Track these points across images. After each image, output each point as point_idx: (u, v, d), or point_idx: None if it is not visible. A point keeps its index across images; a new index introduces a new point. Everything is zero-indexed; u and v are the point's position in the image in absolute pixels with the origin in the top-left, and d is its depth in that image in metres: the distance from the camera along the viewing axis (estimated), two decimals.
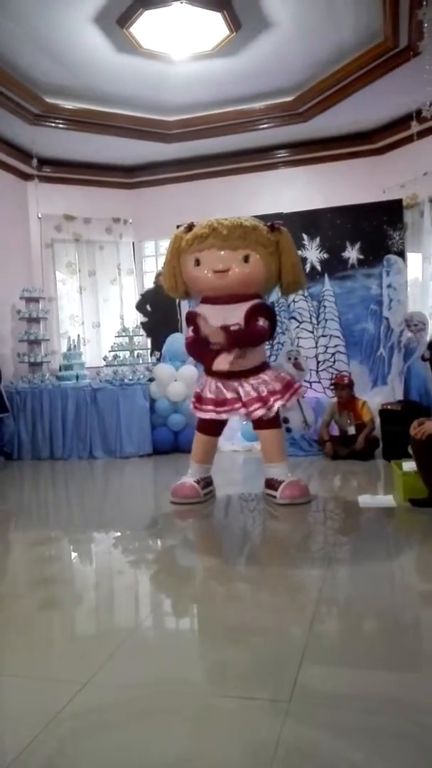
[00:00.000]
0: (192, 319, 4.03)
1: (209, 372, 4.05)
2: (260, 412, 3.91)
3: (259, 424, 4.02)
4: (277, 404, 3.93)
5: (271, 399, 3.91)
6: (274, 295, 5.64)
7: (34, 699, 1.72)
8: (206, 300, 4.02)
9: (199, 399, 4.10)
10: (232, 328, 3.85)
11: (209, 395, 4.03)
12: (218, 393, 4.00)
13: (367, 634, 2.11)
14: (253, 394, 3.91)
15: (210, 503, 4.05)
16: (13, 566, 3.24)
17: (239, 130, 6.80)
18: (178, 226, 4.14)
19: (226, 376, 3.95)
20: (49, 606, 2.53)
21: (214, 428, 4.16)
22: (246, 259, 3.83)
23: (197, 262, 3.92)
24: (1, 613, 2.43)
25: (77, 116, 6.42)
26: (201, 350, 4.02)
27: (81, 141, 6.82)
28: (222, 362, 3.84)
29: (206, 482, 4.19)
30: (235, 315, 3.89)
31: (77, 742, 1.50)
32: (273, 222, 4.03)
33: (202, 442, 4.22)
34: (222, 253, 3.85)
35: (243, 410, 3.95)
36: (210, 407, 4.02)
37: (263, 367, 4.05)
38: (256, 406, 3.90)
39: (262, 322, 3.91)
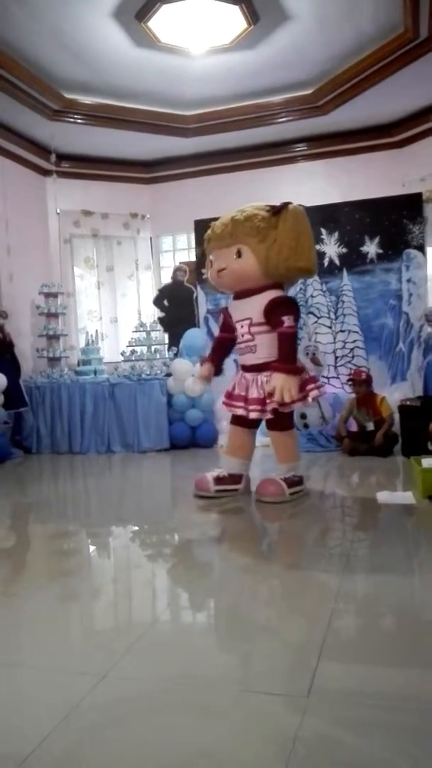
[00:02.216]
0: (223, 315, 4.27)
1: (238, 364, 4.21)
2: (255, 415, 3.91)
3: (268, 424, 4.01)
4: (271, 407, 3.80)
5: (270, 401, 3.80)
6: (292, 290, 5.62)
7: (53, 691, 1.73)
8: (233, 298, 4.14)
9: (226, 392, 4.21)
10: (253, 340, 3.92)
11: (229, 388, 4.14)
12: (234, 387, 4.07)
13: (386, 631, 2.10)
14: (257, 394, 3.87)
15: (230, 500, 4.02)
16: (33, 559, 3.27)
17: (257, 123, 6.77)
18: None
19: (246, 369, 4.03)
20: (67, 599, 2.55)
21: (240, 419, 4.08)
22: (239, 254, 3.82)
23: (211, 263, 4.04)
24: (21, 605, 2.45)
25: (95, 111, 6.43)
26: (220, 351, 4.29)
27: (99, 136, 6.84)
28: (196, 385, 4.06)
29: (233, 479, 4.06)
30: (248, 309, 3.91)
31: (95, 734, 1.51)
32: (282, 203, 3.80)
33: (231, 432, 4.21)
34: (220, 252, 3.94)
35: (242, 412, 3.95)
36: (225, 399, 4.17)
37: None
38: (255, 407, 3.88)
39: (287, 321, 3.75)
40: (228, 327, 4.18)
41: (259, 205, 3.91)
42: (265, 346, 3.88)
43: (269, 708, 1.59)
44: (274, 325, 3.81)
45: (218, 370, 4.32)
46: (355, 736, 1.45)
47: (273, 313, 3.80)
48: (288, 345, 3.78)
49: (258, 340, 3.90)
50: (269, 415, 3.87)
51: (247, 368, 4.03)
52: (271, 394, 3.73)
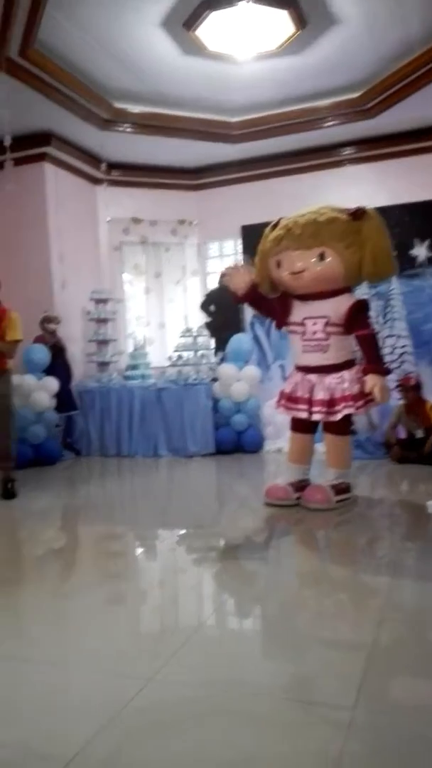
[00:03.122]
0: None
1: (296, 366, 4.08)
2: (319, 417, 3.86)
3: (326, 427, 3.97)
4: (345, 412, 3.80)
5: (340, 405, 3.80)
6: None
7: (98, 693, 1.76)
8: (295, 296, 4.01)
9: (282, 393, 4.11)
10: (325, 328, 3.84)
11: (287, 390, 4.05)
12: (294, 389, 4.00)
13: None
14: (322, 395, 3.84)
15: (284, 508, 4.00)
16: (81, 560, 3.34)
17: (304, 128, 6.73)
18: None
19: (309, 370, 3.93)
20: (114, 601, 2.59)
21: (301, 425, 4.04)
22: (321, 256, 3.74)
23: (278, 264, 3.91)
24: (70, 606, 2.50)
25: (144, 120, 6.53)
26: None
27: (147, 144, 6.93)
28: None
29: (301, 485, 4.01)
30: (324, 309, 3.85)
31: (139, 738, 1.53)
32: (357, 207, 3.80)
33: (292, 439, 4.16)
34: (297, 253, 3.80)
35: (305, 414, 3.91)
36: (284, 401, 4.06)
37: (347, 364, 3.91)
38: (319, 409, 3.84)
39: (372, 324, 3.95)
40: (280, 308, 4.07)
41: (333, 207, 3.87)
42: (336, 348, 3.86)
43: (314, 717, 1.58)
44: (356, 328, 3.83)
45: (253, 287, 4.12)
46: (402, 750, 1.43)
47: (358, 316, 3.83)
48: (377, 347, 3.93)
49: (332, 341, 3.85)
50: (336, 418, 3.82)
51: (311, 369, 3.94)
52: (361, 394, 3.75)
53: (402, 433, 5.50)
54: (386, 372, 3.89)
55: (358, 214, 3.76)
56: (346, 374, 3.85)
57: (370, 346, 3.84)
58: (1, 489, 4.57)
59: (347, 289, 3.93)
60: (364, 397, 3.78)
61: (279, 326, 4.25)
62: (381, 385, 3.71)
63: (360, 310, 3.87)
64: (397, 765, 1.39)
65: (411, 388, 5.41)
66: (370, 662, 1.83)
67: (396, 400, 5.74)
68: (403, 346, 6.18)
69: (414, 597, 2.47)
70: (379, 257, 3.77)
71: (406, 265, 6.15)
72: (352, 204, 3.91)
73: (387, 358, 6.19)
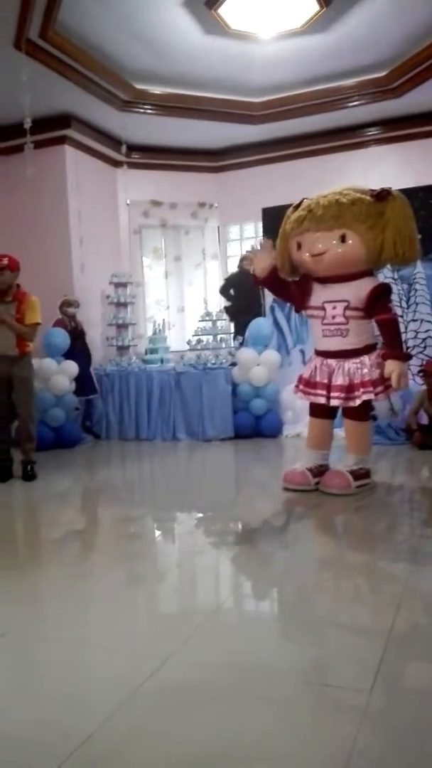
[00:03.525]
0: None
1: (316, 351, 4.02)
2: (337, 402, 3.82)
3: (345, 411, 3.93)
4: (364, 398, 3.76)
5: (360, 390, 3.75)
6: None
7: (117, 671, 1.78)
8: (315, 279, 3.94)
9: (300, 378, 4.07)
10: (345, 312, 3.78)
11: (306, 375, 4.00)
12: (313, 374, 3.94)
13: None
14: (342, 380, 3.80)
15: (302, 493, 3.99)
16: (101, 541, 3.36)
17: (328, 108, 6.63)
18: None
19: (329, 354, 3.88)
20: (133, 582, 2.61)
21: (320, 410, 4.00)
22: (343, 238, 3.67)
23: (299, 246, 3.84)
24: (90, 586, 2.53)
25: (165, 101, 6.47)
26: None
27: (168, 126, 6.88)
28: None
29: (320, 470, 3.98)
30: (344, 292, 3.79)
31: (156, 717, 1.54)
32: (382, 189, 3.70)
33: (311, 425, 4.12)
34: (317, 235, 3.72)
35: (323, 400, 3.87)
36: (302, 386, 4.01)
37: (368, 349, 3.85)
38: (338, 394, 3.80)
39: (393, 308, 3.88)
40: (299, 292, 4.01)
41: (358, 188, 3.79)
42: (356, 333, 3.80)
43: (330, 701, 1.57)
44: (377, 312, 3.77)
45: (273, 270, 4.06)
46: (418, 735, 1.42)
47: (379, 300, 3.77)
48: (398, 332, 3.84)
49: (351, 325, 3.79)
50: (355, 403, 3.78)
51: (330, 354, 3.88)
52: (381, 380, 3.71)
53: (424, 419, 5.44)
54: (407, 357, 3.84)
55: (383, 195, 3.67)
56: (366, 359, 3.79)
57: (391, 331, 3.77)
58: (21, 471, 4.61)
59: (369, 273, 3.85)
60: (383, 383, 3.74)
61: (298, 310, 4.20)
62: (400, 371, 3.65)
63: (381, 294, 3.80)
64: (413, 750, 1.38)
65: None
66: (388, 647, 1.82)
67: (419, 385, 5.67)
68: (426, 331, 6.09)
69: None
70: (401, 241, 3.66)
71: (431, 249, 6.04)
72: (376, 185, 3.82)
73: (410, 343, 6.12)
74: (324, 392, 3.85)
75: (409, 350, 6.11)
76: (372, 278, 3.88)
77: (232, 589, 2.53)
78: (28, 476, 4.58)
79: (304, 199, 3.91)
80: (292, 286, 4.07)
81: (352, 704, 1.53)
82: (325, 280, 3.87)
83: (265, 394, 6.28)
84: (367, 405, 3.88)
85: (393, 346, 3.76)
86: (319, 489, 3.85)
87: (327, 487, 3.80)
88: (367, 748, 1.37)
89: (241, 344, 6.65)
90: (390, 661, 1.75)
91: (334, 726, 1.46)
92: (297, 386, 4.09)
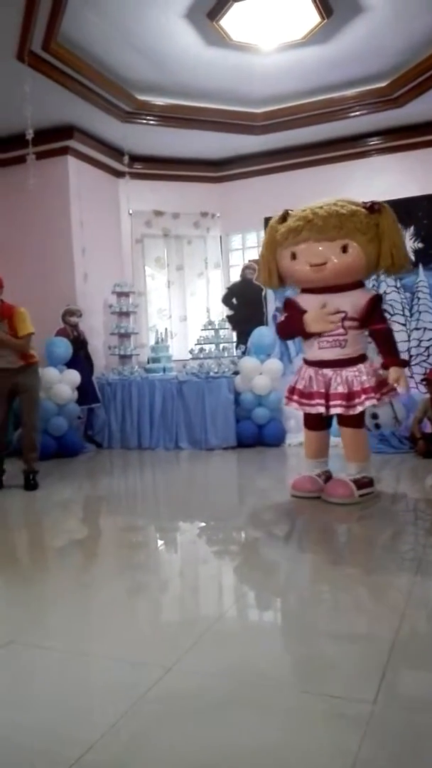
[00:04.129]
0: (289, 305, 4.00)
1: (306, 361, 3.99)
2: (339, 410, 3.80)
3: (342, 420, 3.92)
4: (365, 404, 3.76)
5: (362, 397, 3.74)
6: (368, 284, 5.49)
7: (120, 681, 1.76)
8: (306, 290, 3.95)
9: (291, 391, 4.03)
10: (344, 323, 3.79)
11: (299, 386, 3.96)
12: (307, 385, 3.92)
13: None
14: (342, 389, 3.79)
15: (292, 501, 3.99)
16: (103, 550, 3.35)
17: (330, 118, 6.66)
18: (267, 219, 4.02)
19: (324, 364, 3.87)
20: (136, 591, 2.59)
21: (315, 421, 3.99)
22: (344, 249, 3.69)
23: (294, 256, 3.83)
24: (92, 595, 2.51)
25: (167, 112, 6.51)
26: (291, 326, 4.01)
27: (170, 136, 6.92)
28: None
29: (327, 476, 4.02)
30: (342, 303, 3.80)
31: (159, 725, 1.53)
32: (372, 202, 3.79)
33: (308, 438, 4.12)
34: (318, 245, 3.73)
35: (322, 409, 3.84)
36: (296, 397, 3.97)
37: (362, 358, 3.87)
38: (339, 402, 3.79)
39: (386, 321, 4.00)
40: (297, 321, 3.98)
41: (348, 200, 3.82)
42: (353, 342, 3.82)
43: (333, 711, 1.56)
44: (374, 322, 3.84)
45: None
46: (421, 745, 1.40)
47: (375, 311, 3.84)
48: (394, 340, 3.97)
49: (349, 335, 3.81)
50: (356, 411, 3.77)
51: (326, 363, 3.87)
52: (379, 386, 3.75)
53: (428, 428, 5.42)
54: (405, 364, 3.94)
55: (376, 207, 3.74)
56: (362, 367, 3.82)
57: (389, 340, 3.88)
58: (24, 481, 4.60)
59: (361, 283, 3.92)
60: (381, 389, 3.78)
61: (307, 338, 3.98)
62: (404, 378, 3.76)
63: (377, 304, 3.89)
64: (416, 760, 1.36)
65: None
66: (392, 657, 1.80)
67: (422, 393, 5.66)
68: (430, 339, 6.09)
69: None
70: (397, 251, 3.80)
71: None
72: (380, 195, 3.85)
73: (413, 352, 6.12)
74: (322, 401, 3.84)
75: (410, 357, 6.12)
76: (365, 289, 3.95)
77: (235, 599, 2.52)
78: (30, 486, 4.57)
79: (287, 210, 3.91)
80: (291, 319, 4.00)
81: (356, 714, 1.52)
82: (319, 291, 3.85)
83: (267, 402, 6.27)
84: (362, 412, 3.89)
85: (392, 354, 3.85)
86: (322, 498, 3.83)
87: (330, 496, 3.79)
88: (370, 757, 1.35)
89: (244, 353, 6.65)
90: (393, 670, 1.73)
91: (337, 736, 1.44)
92: (290, 397, 4.04)
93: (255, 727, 1.50)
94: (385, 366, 3.80)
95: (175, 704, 1.62)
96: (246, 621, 2.29)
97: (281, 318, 4.16)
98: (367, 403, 3.76)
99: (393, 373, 3.74)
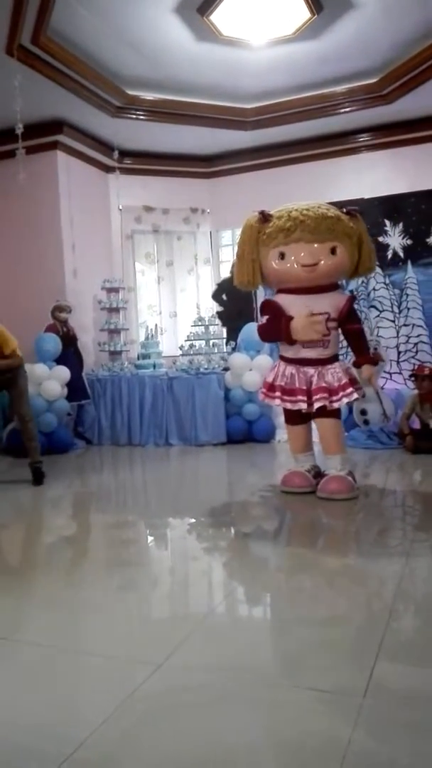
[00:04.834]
0: (270, 308, 3.98)
1: (285, 358, 4.00)
2: (323, 403, 3.82)
3: (324, 413, 3.91)
4: (345, 400, 3.84)
5: (341, 393, 3.82)
6: (353, 284, 5.55)
7: (110, 678, 1.77)
8: (286, 290, 3.96)
9: (270, 387, 4.02)
10: (328, 324, 3.87)
11: (279, 382, 3.97)
12: (288, 381, 3.93)
13: None
14: (323, 383, 3.84)
15: (282, 496, 4.00)
16: (93, 547, 3.35)
17: (320, 114, 6.65)
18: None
19: (306, 362, 3.90)
20: (126, 588, 2.59)
21: (297, 416, 4.04)
22: (333, 251, 3.81)
23: (282, 256, 3.84)
24: (82, 592, 2.51)
25: (157, 107, 6.48)
26: (276, 332, 3.96)
27: (160, 132, 6.89)
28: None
29: (316, 471, 4.07)
30: (325, 304, 3.86)
31: (150, 722, 1.53)
32: (348, 209, 3.96)
33: (292, 433, 4.17)
34: (311, 246, 3.79)
35: (304, 405, 3.87)
36: (278, 394, 3.97)
37: (337, 357, 4.00)
38: (323, 395, 3.81)
39: (360, 320, 4.21)
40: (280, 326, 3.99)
41: (326, 204, 3.93)
42: (333, 342, 3.93)
43: (324, 705, 1.57)
44: (351, 322, 3.97)
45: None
46: (414, 740, 1.42)
47: (352, 311, 3.97)
48: (366, 338, 4.20)
49: (332, 335, 3.90)
50: (336, 405, 3.84)
51: (307, 362, 3.91)
52: (351, 381, 3.86)
53: (416, 424, 5.45)
54: (377, 362, 4.30)
55: (353, 213, 3.95)
56: (338, 365, 3.93)
57: (362, 339, 4.07)
58: (32, 475, 4.61)
59: (337, 285, 4.07)
60: (354, 385, 3.89)
61: (292, 343, 3.95)
62: (375, 374, 4.17)
63: (353, 305, 4.03)
64: (406, 753, 1.37)
65: (426, 378, 5.36)
66: (382, 651, 1.81)
67: (410, 389, 5.70)
68: (418, 336, 6.12)
69: (427, 586, 2.44)
70: (371, 255, 4.07)
71: (423, 254, 6.09)
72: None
73: (402, 348, 6.15)
74: (304, 398, 3.88)
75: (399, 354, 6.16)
76: (341, 290, 4.11)
77: (225, 594, 2.53)
78: (39, 477, 4.60)
79: (262, 210, 3.90)
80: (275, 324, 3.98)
81: (346, 708, 1.53)
82: (302, 292, 3.87)
83: (257, 398, 6.27)
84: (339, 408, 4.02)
85: (365, 352, 4.07)
86: (317, 495, 3.83)
87: (329, 492, 3.78)
88: (361, 750, 1.37)
89: (234, 349, 6.65)
90: (383, 665, 1.74)
91: (328, 730, 1.45)
92: (270, 393, 4.02)
93: (246, 722, 1.51)
94: (358, 364, 4.01)
95: (166, 700, 1.62)
96: (236, 617, 2.30)
97: (263, 321, 4.17)
98: (345, 400, 3.84)
99: (366, 370, 4.00)
